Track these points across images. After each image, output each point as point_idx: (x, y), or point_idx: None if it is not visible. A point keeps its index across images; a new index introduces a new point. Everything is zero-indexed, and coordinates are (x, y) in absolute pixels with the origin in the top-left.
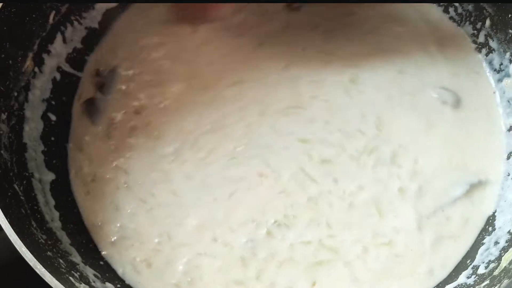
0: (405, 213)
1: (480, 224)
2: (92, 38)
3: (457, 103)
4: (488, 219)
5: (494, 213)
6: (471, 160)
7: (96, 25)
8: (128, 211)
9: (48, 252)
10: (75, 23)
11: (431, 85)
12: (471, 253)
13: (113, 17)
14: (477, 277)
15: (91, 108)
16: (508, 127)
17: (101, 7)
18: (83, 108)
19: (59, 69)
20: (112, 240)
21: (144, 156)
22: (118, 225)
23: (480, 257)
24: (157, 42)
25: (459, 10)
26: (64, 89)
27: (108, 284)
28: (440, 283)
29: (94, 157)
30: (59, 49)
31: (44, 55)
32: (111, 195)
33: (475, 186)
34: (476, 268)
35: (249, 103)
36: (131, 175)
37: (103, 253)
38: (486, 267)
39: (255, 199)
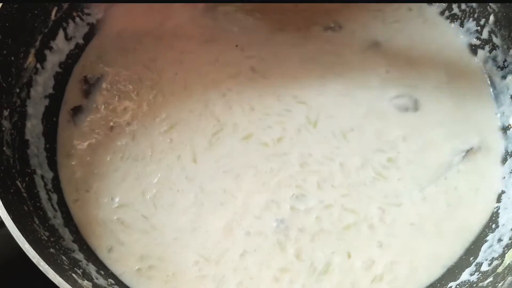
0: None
1: (493, 188)
2: (94, 35)
3: (415, 104)
4: (492, 214)
5: (498, 209)
6: (460, 131)
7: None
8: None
9: (51, 249)
10: (77, 19)
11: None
12: (474, 250)
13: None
14: (480, 274)
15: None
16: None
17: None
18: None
19: (61, 65)
20: (135, 268)
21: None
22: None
23: (484, 254)
24: None
25: (463, 7)
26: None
27: (110, 280)
28: (449, 269)
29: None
30: (61, 46)
31: (46, 52)
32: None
33: (471, 152)
34: (479, 265)
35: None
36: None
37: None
38: (489, 264)
39: (257, 191)
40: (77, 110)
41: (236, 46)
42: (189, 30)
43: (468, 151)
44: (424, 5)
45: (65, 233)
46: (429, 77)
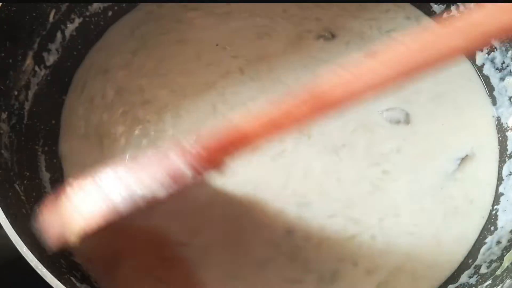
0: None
1: (490, 193)
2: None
3: (407, 117)
4: (491, 213)
5: (496, 212)
6: (455, 138)
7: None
8: None
9: (49, 252)
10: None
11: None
12: (473, 252)
13: (114, 17)
14: (479, 276)
15: None
16: (511, 126)
17: (99, 6)
18: None
19: None
20: None
21: None
22: None
23: (482, 257)
24: None
25: (461, 8)
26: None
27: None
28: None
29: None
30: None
31: (45, 54)
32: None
33: (465, 160)
34: (478, 267)
35: None
36: None
37: None
38: (488, 267)
39: (269, 203)
40: None
41: (217, 45)
42: None
43: (464, 158)
44: (422, 14)
45: None
46: (424, 88)
